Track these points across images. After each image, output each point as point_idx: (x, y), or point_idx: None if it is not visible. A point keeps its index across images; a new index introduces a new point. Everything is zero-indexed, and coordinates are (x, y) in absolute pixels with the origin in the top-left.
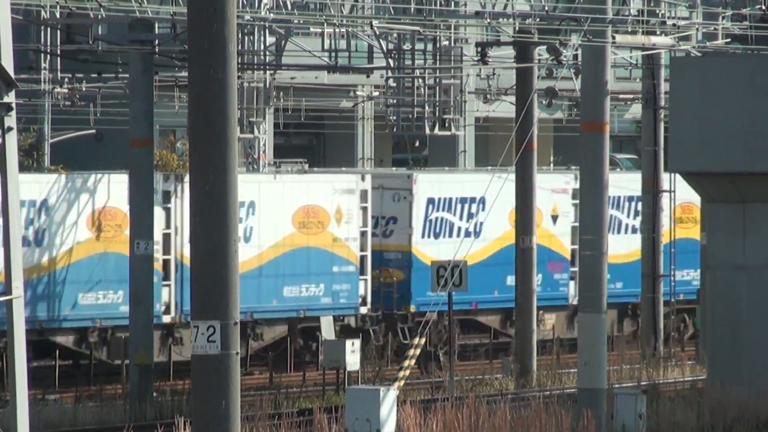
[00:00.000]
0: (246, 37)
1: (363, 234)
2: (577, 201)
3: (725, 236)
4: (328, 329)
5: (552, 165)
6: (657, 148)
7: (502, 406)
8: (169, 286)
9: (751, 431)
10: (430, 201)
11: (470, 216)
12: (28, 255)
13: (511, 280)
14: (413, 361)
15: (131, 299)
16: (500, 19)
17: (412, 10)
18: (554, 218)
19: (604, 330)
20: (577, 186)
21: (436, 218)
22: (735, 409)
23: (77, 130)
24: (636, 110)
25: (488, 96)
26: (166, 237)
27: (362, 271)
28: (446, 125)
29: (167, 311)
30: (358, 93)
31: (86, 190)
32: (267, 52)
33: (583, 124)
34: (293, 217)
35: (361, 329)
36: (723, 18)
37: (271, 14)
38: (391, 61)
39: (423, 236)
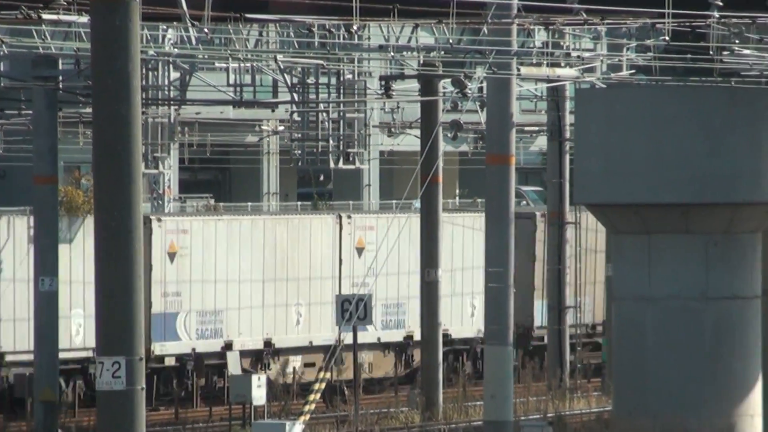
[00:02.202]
0: (150, 73)
1: None
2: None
3: (630, 267)
4: (234, 364)
5: (458, 198)
6: (562, 179)
7: None
8: None
9: None
10: None
11: None
12: None
13: None
14: (318, 395)
15: (36, 336)
16: (404, 53)
17: (316, 44)
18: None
19: (510, 362)
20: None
21: None
22: None
23: None
24: (541, 142)
25: (393, 129)
26: None
27: None
28: (351, 159)
29: None
30: (263, 127)
31: None
32: (171, 87)
33: (489, 157)
34: None
35: None
36: (627, 49)
37: (176, 49)
38: (295, 96)
39: None
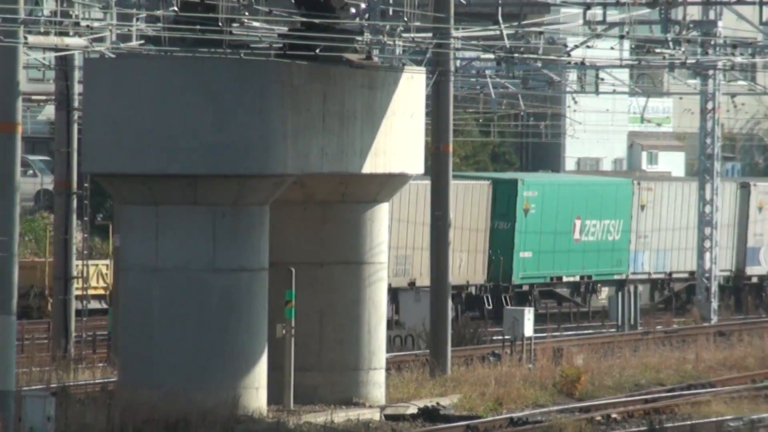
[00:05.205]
0: None
1: None
2: None
3: (139, 238)
4: None
5: None
6: (71, 149)
7: None
8: None
9: None
10: None
11: None
12: None
13: None
14: None
15: None
16: None
17: None
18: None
19: (13, 332)
20: None
21: None
22: (146, 411)
23: None
24: (50, 111)
25: None
26: None
27: None
28: None
29: None
30: None
31: None
32: None
33: None
34: None
35: None
36: (137, 19)
37: None
38: None
39: None
